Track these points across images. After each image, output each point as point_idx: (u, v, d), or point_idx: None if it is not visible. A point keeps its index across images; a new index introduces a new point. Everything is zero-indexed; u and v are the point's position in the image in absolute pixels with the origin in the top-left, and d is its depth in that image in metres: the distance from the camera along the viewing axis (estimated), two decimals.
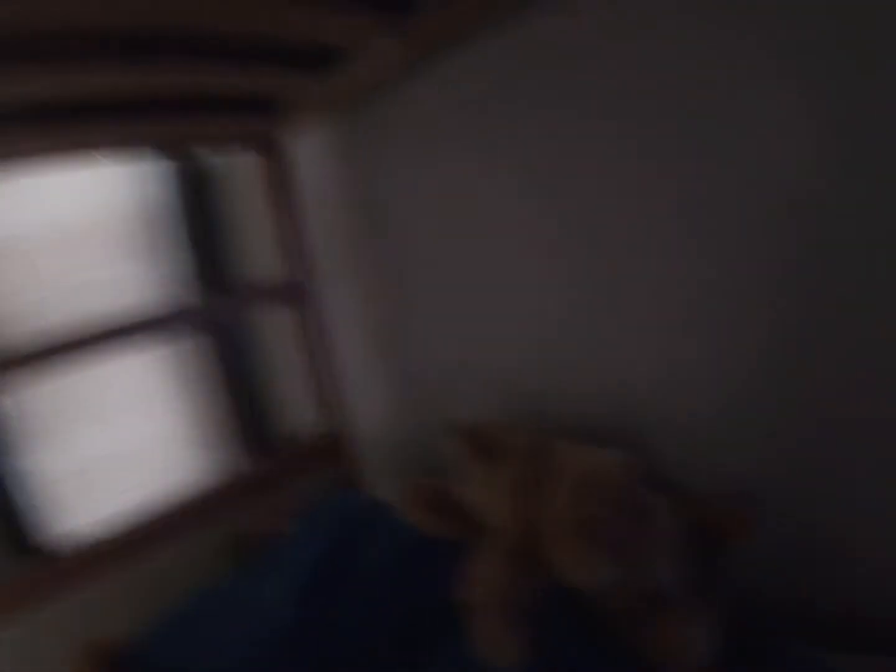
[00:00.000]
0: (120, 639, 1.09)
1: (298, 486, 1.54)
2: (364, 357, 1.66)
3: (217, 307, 1.72)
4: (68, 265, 1.71)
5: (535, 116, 1.10)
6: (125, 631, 1.10)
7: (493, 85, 1.14)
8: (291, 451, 1.64)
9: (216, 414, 1.87)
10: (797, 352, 0.88)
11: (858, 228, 0.79)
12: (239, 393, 1.89)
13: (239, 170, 1.77)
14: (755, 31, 0.81)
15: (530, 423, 1.20)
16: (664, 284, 1.00)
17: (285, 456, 1.63)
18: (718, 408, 0.98)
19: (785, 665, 0.82)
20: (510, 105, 1.13)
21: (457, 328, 1.41)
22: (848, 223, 0.80)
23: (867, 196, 0.77)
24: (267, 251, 1.68)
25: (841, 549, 0.89)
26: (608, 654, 0.84)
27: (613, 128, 0.99)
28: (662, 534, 0.87)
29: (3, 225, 1.62)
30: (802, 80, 0.79)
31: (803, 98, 0.79)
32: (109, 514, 1.38)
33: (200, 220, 1.84)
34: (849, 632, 0.87)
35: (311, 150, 1.59)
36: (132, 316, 1.44)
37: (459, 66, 1.18)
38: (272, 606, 1.06)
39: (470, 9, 1.02)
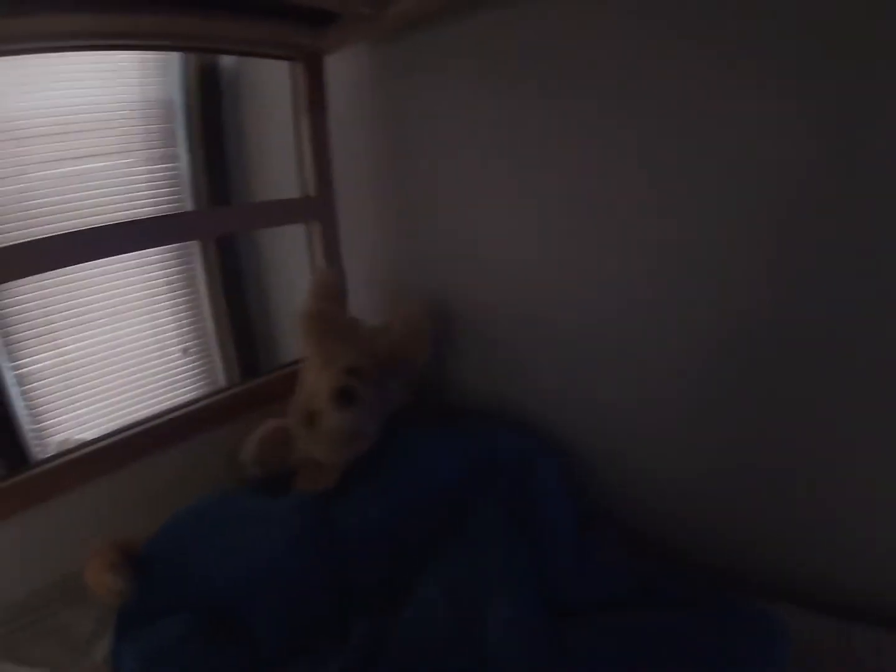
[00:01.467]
0: (135, 537, 1.17)
1: None
2: (370, 278, 1.70)
3: (225, 217, 1.64)
4: (66, 154, 1.66)
5: (546, 83, 1.19)
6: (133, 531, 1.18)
7: (519, 47, 1.21)
8: (286, 372, 1.64)
9: (212, 327, 1.89)
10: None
11: (833, 226, 0.92)
12: (235, 301, 1.90)
13: (258, 77, 1.71)
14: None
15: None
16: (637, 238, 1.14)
17: (283, 374, 1.63)
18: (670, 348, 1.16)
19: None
20: (529, 67, 1.21)
21: (459, 262, 1.49)
22: (825, 222, 0.92)
23: (845, 197, 0.90)
24: (280, 164, 1.66)
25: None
26: None
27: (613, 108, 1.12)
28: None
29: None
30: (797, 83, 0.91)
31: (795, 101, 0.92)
32: (101, 419, 1.42)
33: (209, 122, 1.78)
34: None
35: (347, 69, 1.55)
36: (131, 216, 1.46)
37: (500, 22, 1.23)
38: (285, 513, 1.17)
39: None
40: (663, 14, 1.00)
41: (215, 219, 1.61)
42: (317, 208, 1.60)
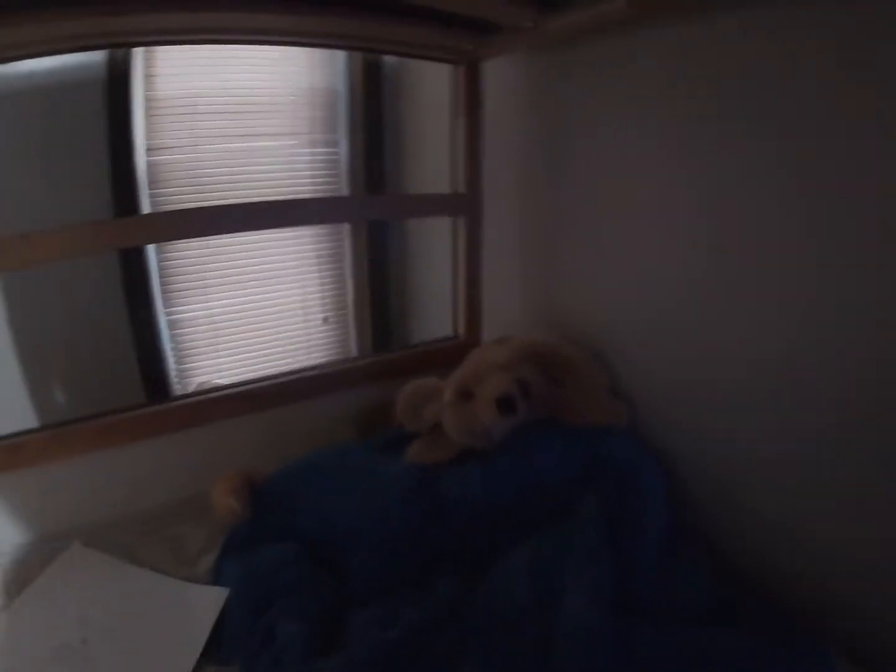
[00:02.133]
0: (261, 470, 1.29)
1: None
2: (505, 277, 1.75)
3: (379, 205, 1.78)
4: (237, 131, 1.85)
5: (702, 114, 1.14)
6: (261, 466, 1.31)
7: (678, 72, 1.17)
8: (421, 348, 1.77)
9: (352, 301, 2.05)
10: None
11: None
12: (376, 281, 2.05)
13: (418, 73, 1.83)
14: None
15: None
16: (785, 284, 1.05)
17: (414, 351, 1.76)
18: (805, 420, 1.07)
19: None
20: (682, 96, 1.17)
21: (597, 274, 1.49)
22: None
23: None
24: (431, 152, 1.75)
25: None
26: None
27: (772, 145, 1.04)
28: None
29: (180, 84, 1.76)
30: None
31: None
32: (239, 369, 1.57)
33: (370, 112, 1.92)
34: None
35: (503, 75, 1.60)
36: (291, 194, 1.65)
37: (663, 43, 1.20)
38: (397, 473, 1.26)
39: None
40: None
41: (371, 205, 1.75)
42: (464, 205, 1.68)
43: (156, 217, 1.63)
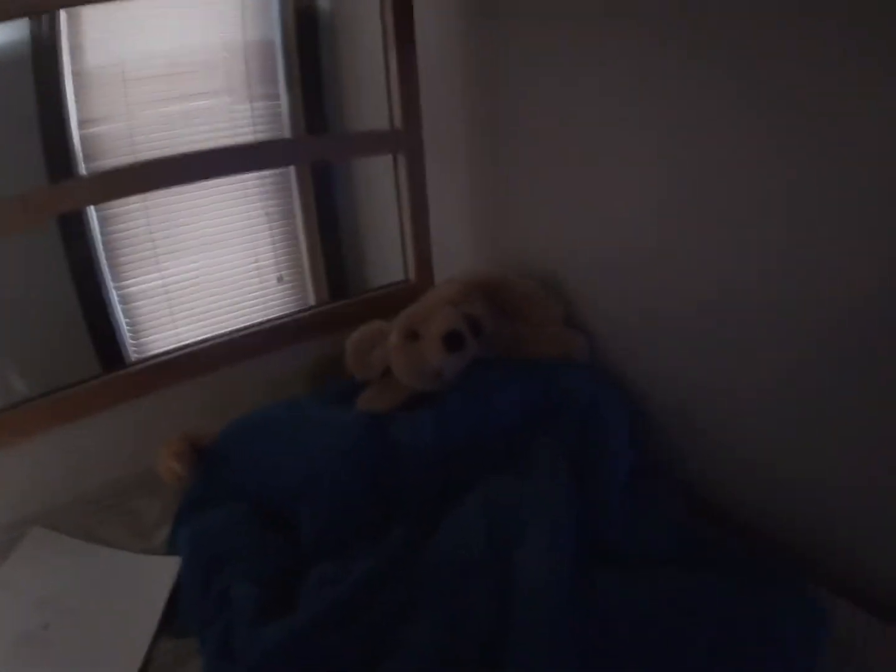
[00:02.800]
0: (206, 432, 1.28)
1: None
2: (454, 216, 1.72)
3: (315, 146, 1.76)
4: (171, 94, 1.78)
5: (659, 46, 1.08)
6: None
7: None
8: (371, 294, 1.75)
9: (306, 256, 2.02)
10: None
11: None
12: (328, 233, 2.00)
13: (353, 14, 1.78)
14: None
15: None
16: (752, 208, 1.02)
17: (364, 298, 1.74)
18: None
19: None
20: (640, 23, 1.10)
21: (550, 208, 1.45)
22: None
23: None
24: (372, 98, 1.68)
25: None
26: None
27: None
28: None
29: (108, 52, 1.68)
30: None
31: None
32: (193, 333, 1.55)
33: (307, 61, 1.87)
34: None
35: (436, 7, 1.54)
36: (229, 145, 1.60)
37: None
38: (344, 425, 1.23)
39: None
40: None
41: (304, 145, 1.75)
42: (402, 141, 1.62)
43: (88, 179, 1.60)
